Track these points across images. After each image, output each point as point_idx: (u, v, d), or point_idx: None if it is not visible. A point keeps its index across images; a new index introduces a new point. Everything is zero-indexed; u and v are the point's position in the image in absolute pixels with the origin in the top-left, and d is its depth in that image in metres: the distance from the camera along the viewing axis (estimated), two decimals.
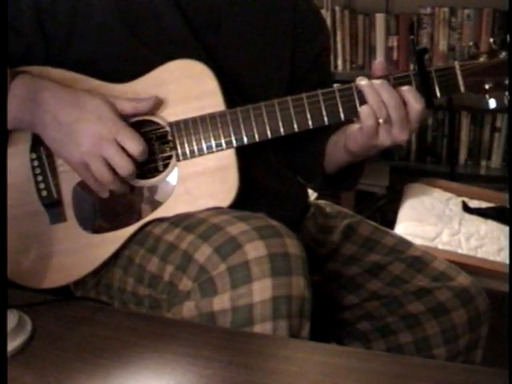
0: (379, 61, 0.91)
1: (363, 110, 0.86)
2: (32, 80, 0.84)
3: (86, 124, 0.82)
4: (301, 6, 1.03)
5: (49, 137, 0.84)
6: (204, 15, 0.93)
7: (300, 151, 1.07)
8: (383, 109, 0.85)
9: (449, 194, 1.96)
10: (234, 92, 0.92)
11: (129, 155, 0.83)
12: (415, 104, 0.85)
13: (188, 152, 0.88)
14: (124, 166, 0.83)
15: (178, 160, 0.88)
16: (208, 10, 0.94)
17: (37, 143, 0.88)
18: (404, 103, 0.85)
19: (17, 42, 0.87)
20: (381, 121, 0.86)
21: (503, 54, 0.87)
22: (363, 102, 0.87)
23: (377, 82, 0.86)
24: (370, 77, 0.88)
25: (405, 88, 0.86)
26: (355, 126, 0.90)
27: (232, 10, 0.96)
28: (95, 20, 0.88)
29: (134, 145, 0.83)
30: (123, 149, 0.83)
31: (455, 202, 1.91)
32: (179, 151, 0.88)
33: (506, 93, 0.87)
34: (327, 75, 1.11)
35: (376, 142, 0.88)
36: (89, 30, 0.88)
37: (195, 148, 0.88)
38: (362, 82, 0.87)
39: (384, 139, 0.87)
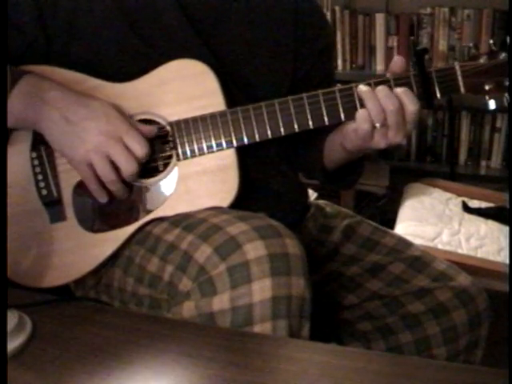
0: (399, 58, 0.89)
1: (360, 115, 0.86)
2: (39, 79, 0.85)
3: (93, 122, 0.82)
4: (302, 3, 1.03)
5: (54, 133, 0.84)
6: (205, 13, 0.93)
7: (300, 147, 1.07)
8: (381, 114, 0.85)
9: (449, 194, 1.96)
10: (237, 90, 0.92)
11: (133, 156, 0.83)
12: (410, 106, 0.85)
13: (188, 151, 0.88)
14: (128, 166, 0.83)
15: (179, 159, 0.88)
16: (209, 9, 0.94)
17: (37, 142, 0.88)
18: (401, 107, 0.85)
19: (18, 39, 0.87)
20: (377, 125, 0.85)
21: (503, 55, 0.88)
22: (364, 103, 0.86)
23: (376, 87, 0.85)
24: (370, 77, 0.88)
25: (400, 90, 0.85)
26: (352, 126, 0.89)
27: (233, 8, 0.96)
28: (96, 17, 0.88)
29: (140, 146, 0.83)
30: (128, 149, 0.83)
31: (455, 202, 1.91)
32: (179, 151, 0.88)
33: (506, 94, 0.88)
34: (329, 73, 1.11)
35: (370, 145, 0.88)
36: (90, 27, 0.88)
37: (195, 147, 0.88)
38: (363, 88, 0.86)
39: (379, 142, 0.87)
